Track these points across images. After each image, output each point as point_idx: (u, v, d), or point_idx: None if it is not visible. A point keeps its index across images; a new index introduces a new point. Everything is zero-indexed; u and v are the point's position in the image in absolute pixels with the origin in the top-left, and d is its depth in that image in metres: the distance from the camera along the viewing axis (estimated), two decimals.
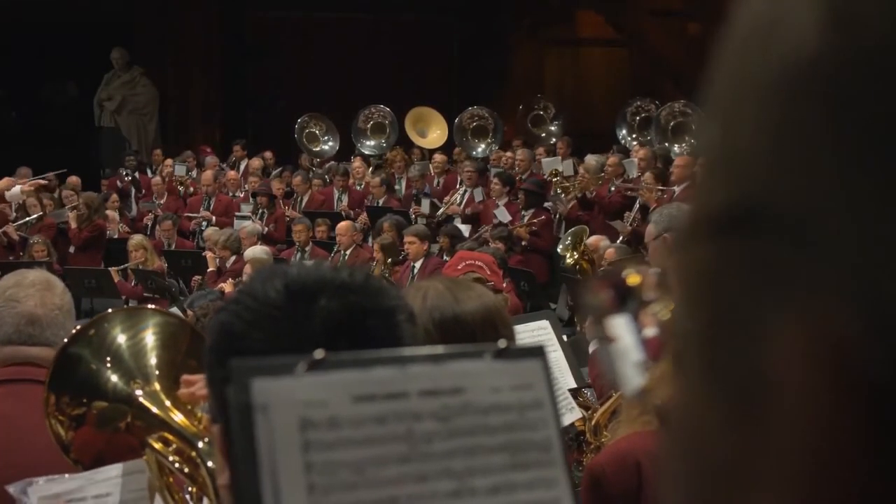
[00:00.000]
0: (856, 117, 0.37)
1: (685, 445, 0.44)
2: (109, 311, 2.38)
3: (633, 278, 1.33)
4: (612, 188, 12.39)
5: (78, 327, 2.38)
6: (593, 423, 3.85)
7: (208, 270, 11.65)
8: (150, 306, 2.42)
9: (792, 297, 0.39)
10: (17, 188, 10.76)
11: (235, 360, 0.85)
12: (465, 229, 12.60)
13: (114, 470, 2.17)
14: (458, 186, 13.98)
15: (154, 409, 2.14)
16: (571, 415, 3.67)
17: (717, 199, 0.42)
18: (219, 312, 1.42)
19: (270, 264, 7.62)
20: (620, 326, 1.25)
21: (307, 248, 12.14)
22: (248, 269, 9.91)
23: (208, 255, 11.86)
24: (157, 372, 2.20)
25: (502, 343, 0.93)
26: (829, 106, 0.38)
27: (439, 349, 0.94)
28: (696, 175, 0.44)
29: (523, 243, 11.97)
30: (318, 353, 0.86)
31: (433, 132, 17.92)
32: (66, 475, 2.20)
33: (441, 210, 13.66)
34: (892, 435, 0.38)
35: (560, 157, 14.64)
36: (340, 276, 1.35)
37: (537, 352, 0.94)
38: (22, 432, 2.70)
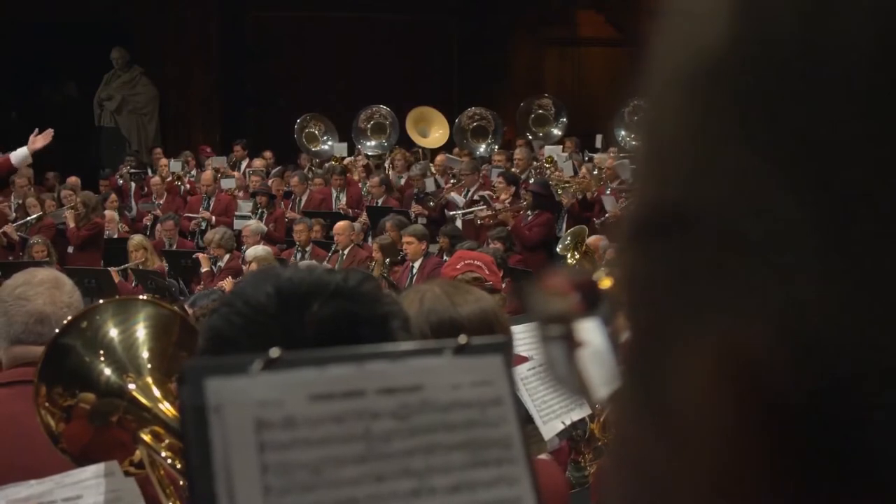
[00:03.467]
0: (766, 113, 0.36)
1: (619, 456, 0.43)
2: (101, 301, 2.38)
3: (605, 281, 1.31)
4: (608, 191, 12.41)
5: (69, 318, 2.37)
6: (602, 419, 3.85)
7: (202, 271, 11.66)
8: (141, 297, 2.41)
9: (706, 310, 0.37)
10: (24, 149, 10.68)
11: (188, 361, 0.84)
12: (460, 200, 12.67)
13: (84, 473, 2.16)
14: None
15: (146, 403, 2.14)
16: (580, 410, 3.67)
17: (642, 201, 0.40)
18: (211, 315, 1.39)
19: (264, 266, 7.59)
20: (590, 331, 1.22)
21: (307, 248, 12.14)
22: (253, 266, 9.91)
23: (201, 256, 11.86)
24: (149, 365, 2.20)
25: (462, 339, 0.91)
26: (741, 102, 0.36)
27: (398, 346, 0.93)
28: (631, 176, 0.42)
29: (508, 227, 11.99)
30: (274, 352, 0.85)
31: (434, 132, 17.93)
32: (33, 481, 2.19)
33: (443, 193, 13.72)
34: (803, 459, 0.36)
35: (562, 149, 14.72)
36: (334, 281, 1.33)
37: (498, 347, 0.93)
38: (31, 433, 2.70)
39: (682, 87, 0.38)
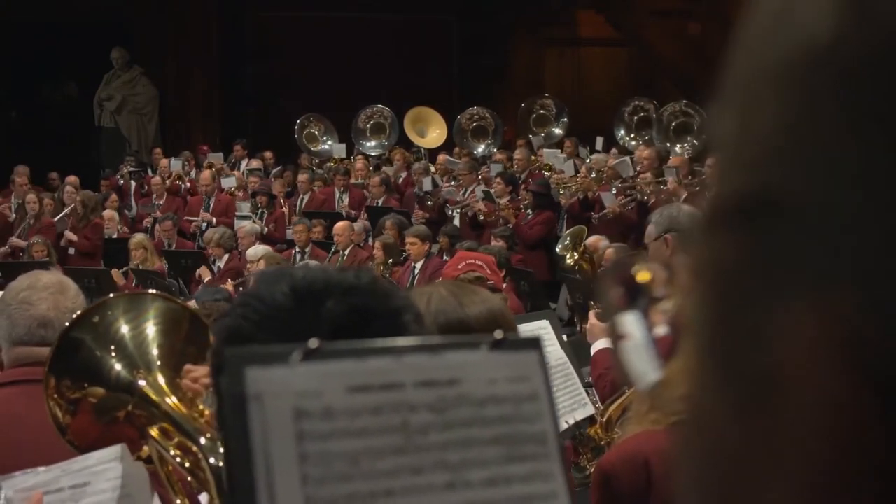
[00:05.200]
0: (873, 105, 0.37)
1: (699, 436, 0.44)
2: (111, 296, 2.38)
3: (642, 275, 1.33)
4: (614, 190, 12.41)
5: (79, 312, 2.37)
6: (604, 418, 3.86)
7: (206, 280, 11.62)
8: (150, 291, 2.42)
9: (805, 287, 0.39)
10: None
11: (229, 350, 0.84)
12: (456, 193, 12.75)
13: (90, 459, 2.16)
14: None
15: (156, 399, 2.14)
16: (584, 410, 3.68)
17: (734, 189, 0.42)
18: (225, 316, 1.42)
19: (276, 267, 7.59)
20: (631, 323, 1.24)
21: (306, 249, 12.13)
22: (262, 265, 9.94)
23: (203, 270, 11.77)
24: (158, 361, 2.20)
25: (499, 334, 0.92)
26: (846, 94, 0.37)
27: (435, 339, 0.94)
28: (714, 166, 0.43)
29: (509, 224, 12.03)
30: (313, 343, 0.85)
31: (432, 132, 17.96)
32: (41, 468, 2.19)
33: (440, 192, 13.76)
34: None
35: (560, 152, 14.76)
36: (347, 279, 1.35)
37: (534, 344, 0.93)
38: (34, 432, 2.71)
39: (782, 77, 0.40)
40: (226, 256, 11.74)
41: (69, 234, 12.98)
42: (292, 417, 0.84)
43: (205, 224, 14.11)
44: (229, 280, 10.74)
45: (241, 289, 10.00)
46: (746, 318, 0.41)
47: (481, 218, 12.76)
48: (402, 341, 0.90)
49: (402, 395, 0.87)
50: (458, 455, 0.89)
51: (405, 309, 1.35)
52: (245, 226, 12.64)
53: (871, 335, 0.37)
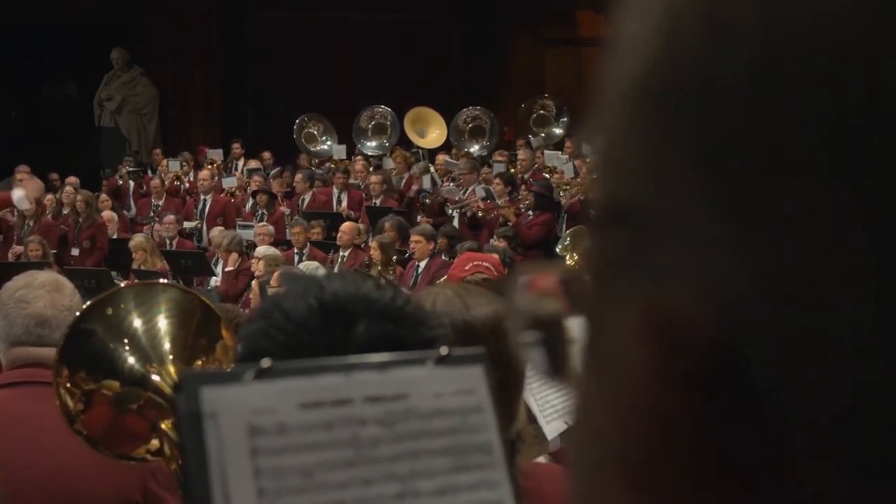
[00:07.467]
0: (684, 128, 0.42)
1: (576, 415, 0.49)
2: (122, 286, 2.37)
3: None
4: None
5: (90, 302, 2.36)
6: None
7: (224, 276, 11.63)
8: (161, 281, 2.41)
9: (634, 282, 0.44)
10: (21, 192, 10.79)
11: (184, 372, 0.88)
12: (456, 191, 12.77)
13: None
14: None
15: (168, 393, 2.13)
16: None
17: (598, 198, 0.48)
18: (250, 323, 1.37)
19: (306, 277, 7.53)
20: (577, 328, 1.28)
21: (304, 250, 12.14)
22: (261, 266, 9.99)
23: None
24: (171, 355, 2.18)
25: (444, 350, 0.96)
26: (662, 113, 0.43)
27: (384, 356, 0.98)
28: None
29: (509, 223, 12.08)
30: (265, 362, 0.89)
31: (432, 132, 17.98)
32: None
33: (440, 190, 13.79)
34: (723, 416, 0.41)
35: (561, 153, 14.79)
36: (381, 301, 1.30)
37: (478, 358, 0.98)
38: (35, 434, 2.73)
39: (623, 100, 0.46)
40: (239, 261, 11.71)
41: (75, 252, 12.99)
42: (247, 434, 0.88)
43: (195, 228, 14.11)
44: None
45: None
46: (596, 311, 0.47)
47: (480, 215, 12.80)
48: (351, 359, 0.95)
49: (352, 411, 0.92)
50: (407, 466, 0.93)
51: (437, 339, 1.30)
52: (268, 226, 12.71)
53: (689, 325, 0.41)
